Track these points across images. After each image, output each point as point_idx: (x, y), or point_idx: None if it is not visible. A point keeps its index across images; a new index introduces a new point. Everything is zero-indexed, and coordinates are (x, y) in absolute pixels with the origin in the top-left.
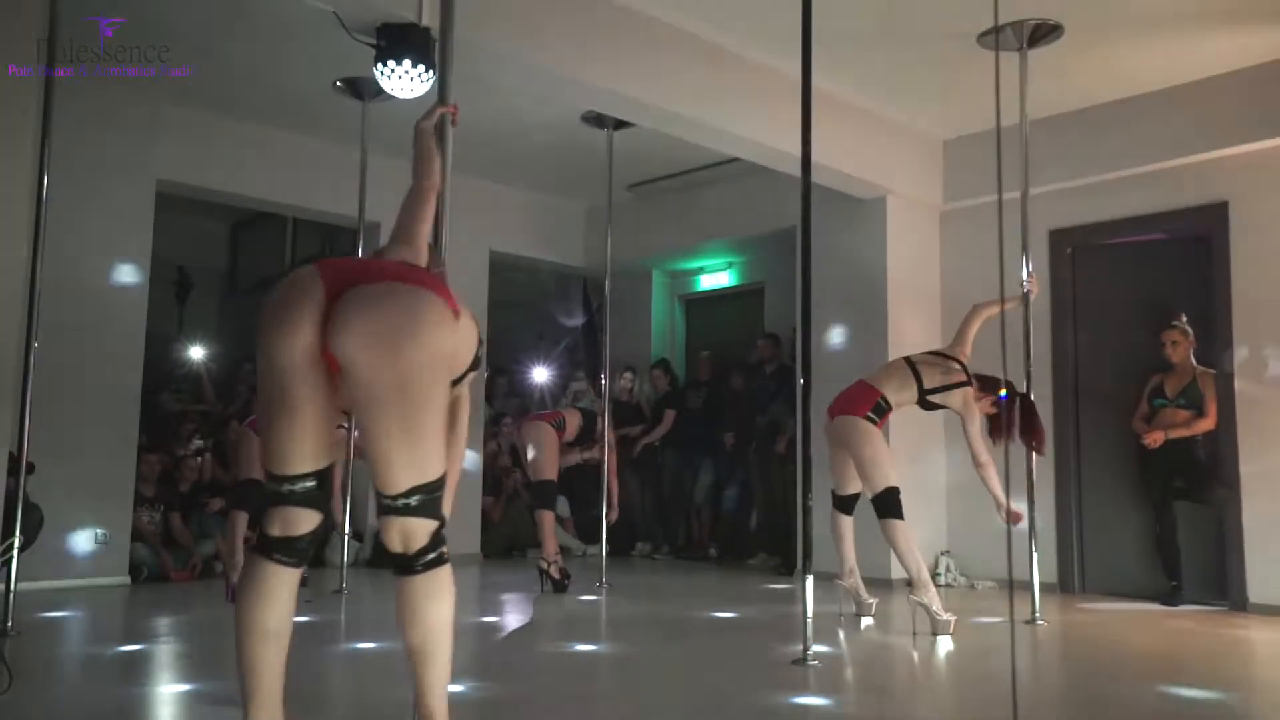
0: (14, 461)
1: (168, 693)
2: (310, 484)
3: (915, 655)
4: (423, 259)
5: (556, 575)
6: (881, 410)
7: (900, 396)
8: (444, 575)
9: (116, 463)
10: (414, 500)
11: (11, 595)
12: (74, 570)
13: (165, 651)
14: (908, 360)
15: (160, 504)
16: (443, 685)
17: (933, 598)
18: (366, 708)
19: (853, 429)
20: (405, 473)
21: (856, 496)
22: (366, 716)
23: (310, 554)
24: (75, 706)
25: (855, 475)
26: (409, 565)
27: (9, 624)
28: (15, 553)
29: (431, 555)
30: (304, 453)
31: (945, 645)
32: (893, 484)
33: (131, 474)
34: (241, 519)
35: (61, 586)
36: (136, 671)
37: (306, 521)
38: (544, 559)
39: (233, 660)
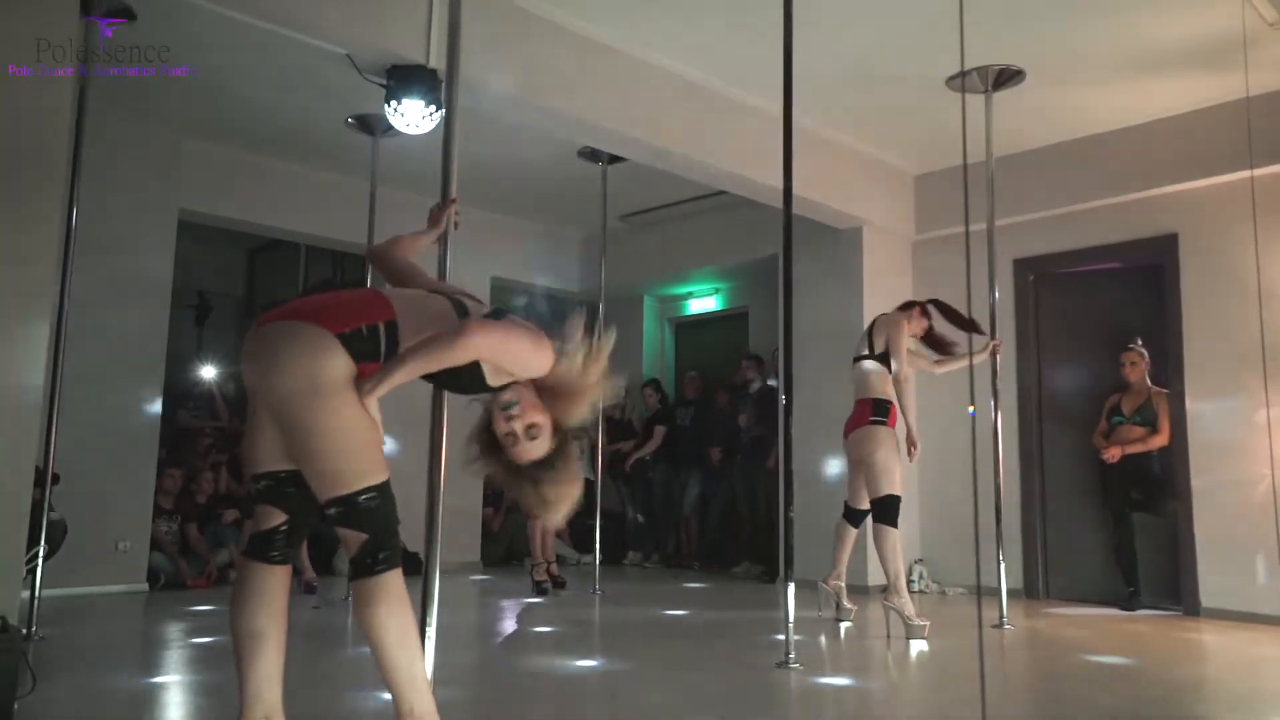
0: (39, 474)
1: (183, 694)
2: (269, 483)
3: (890, 658)
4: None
5: (540, 577)
6: (883, 408)
7: (878, 384)
8: (375, 584)
9: (137, 476)
10: (332, 511)
11: (36, 601)
12: (95, 578)
13: (181, 654)
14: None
15: (178, 515)
16: (403, 680)
17: (906, 603)
18: (368, 713)
19: (864, 437)
20: (318, 487)
21: (867, 512)
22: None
23: (291, 553)
24: (95, 707)
25: (865, 492)
26: (352, 570)
27: (33, 629)
28: (40, 561)
29: (366, 563)
30: (259, 457)
31: (918, 648)
32: (895, 493)
33: (151, 486)
34: (248, 528)
35: (83, 593)
36: (154, 673)
37: (272, 516)
38: (530, 561)
39: None
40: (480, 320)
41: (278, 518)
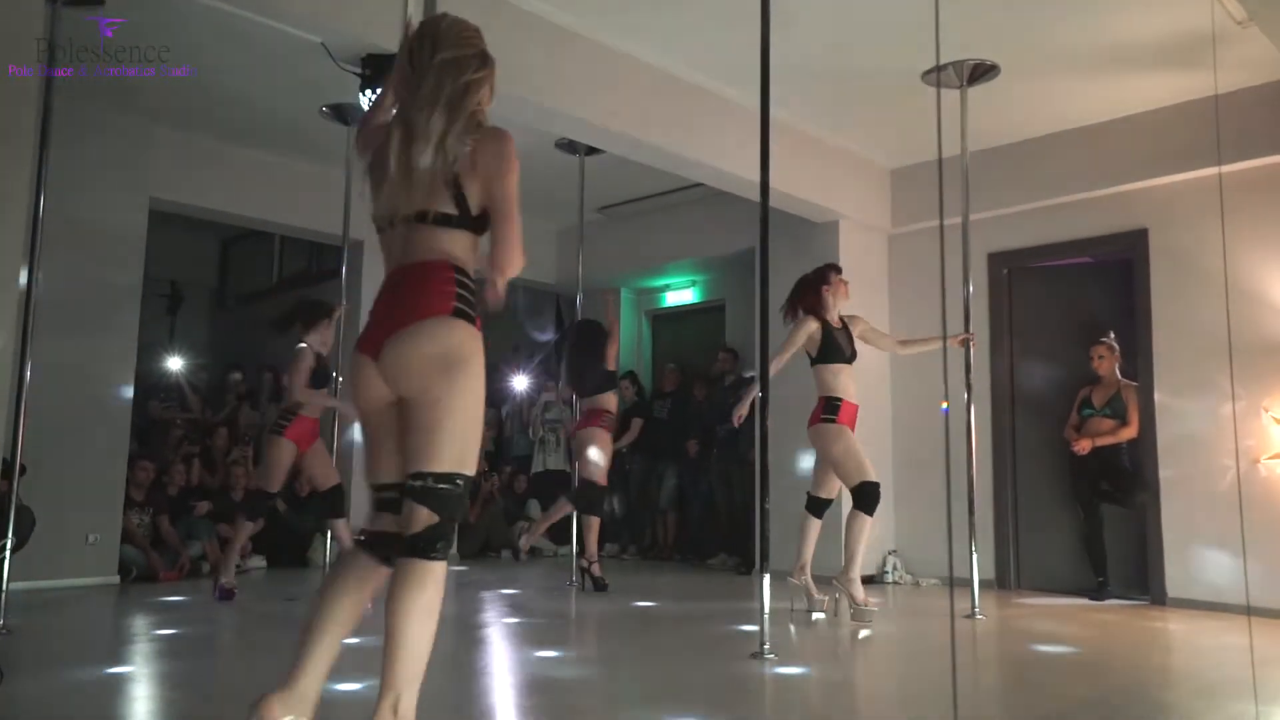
0: (7, 465)
1: (153, 687)
2: (392, 495)
3: (863, 648)
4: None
5: (598, 573)
6: (832, 406)
7: (827, 382)
8: (423, 569)
9: (107, 467)
10: (417, 484)
11: (3, 594)
12: (65, 570)
13: (152, 647)
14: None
15: (149, 507)
16: (406, 668)
17: (857, 586)
18: (341, 703)
19: (817, 436)
20: (419, 455)
21: (829, 502)
22: (341, 711)
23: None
24: (64, 701)
25: (830, 481)
26: (403, 548)
27: (1, 622)
28: (8, 553)
29: (421, 545)
30: (385, 468)
31: (891, 638)
32: (870, 479)
33: (121, 478)
34: (246, 527)
35: (53, 586)
36: (124, 666)
37: (387, 522)
38: (585, 559)
39: (215, 656)
40: (504, 233)
41: (392, 524)
